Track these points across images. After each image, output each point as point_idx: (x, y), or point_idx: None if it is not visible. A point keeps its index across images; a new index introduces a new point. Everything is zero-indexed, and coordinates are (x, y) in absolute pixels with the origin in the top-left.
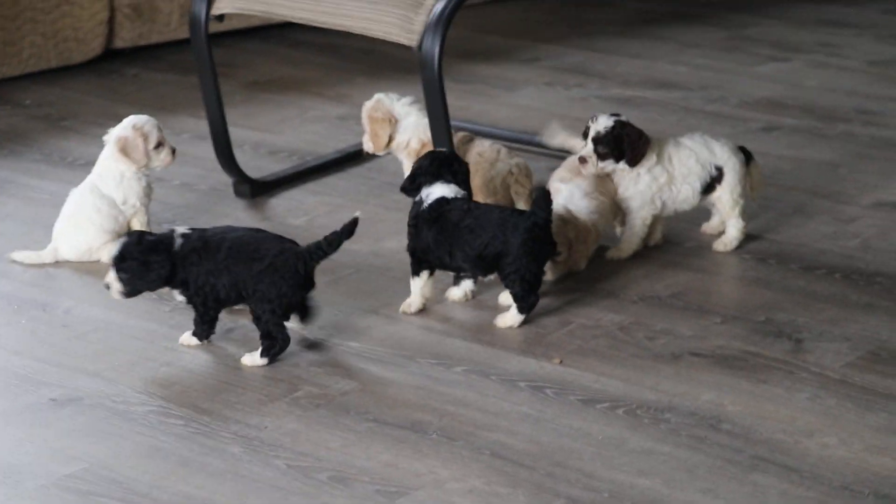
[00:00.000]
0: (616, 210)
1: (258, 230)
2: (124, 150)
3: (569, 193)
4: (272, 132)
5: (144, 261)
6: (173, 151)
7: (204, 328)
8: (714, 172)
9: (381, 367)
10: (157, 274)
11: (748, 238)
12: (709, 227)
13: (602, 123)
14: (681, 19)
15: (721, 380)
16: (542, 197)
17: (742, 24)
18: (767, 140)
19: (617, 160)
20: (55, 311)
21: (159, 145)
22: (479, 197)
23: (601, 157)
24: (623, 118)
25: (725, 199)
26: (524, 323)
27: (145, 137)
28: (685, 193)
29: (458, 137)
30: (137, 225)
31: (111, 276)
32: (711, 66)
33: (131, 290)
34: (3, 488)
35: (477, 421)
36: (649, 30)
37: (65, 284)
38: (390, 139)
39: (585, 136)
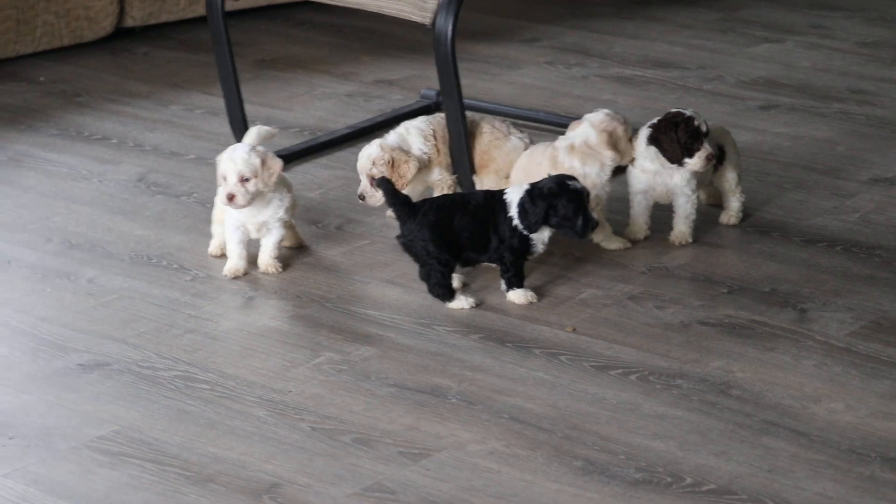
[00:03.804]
0: None
1: None
2: None
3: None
4: (282, 108)
5: None
6: (229, 197)
7: None
8: (717, 151)
9: (399, 334)
10: None
11: (751, 212)
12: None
13: (704, 120)
14: (673, 1)
15: (729, 347)
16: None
17: (733, 6)
18: (765, 118)
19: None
20: (79, 280)
21: (225, 180)
22: (493, 175)
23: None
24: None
25: (730, 176)
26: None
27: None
28: (708, 171)
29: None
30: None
31: None
32: (707, 47)
33: None
34: (37, 450)
35: (495, 386)
36: (643, 11)
37: (87, 255)
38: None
39: (702, 134)
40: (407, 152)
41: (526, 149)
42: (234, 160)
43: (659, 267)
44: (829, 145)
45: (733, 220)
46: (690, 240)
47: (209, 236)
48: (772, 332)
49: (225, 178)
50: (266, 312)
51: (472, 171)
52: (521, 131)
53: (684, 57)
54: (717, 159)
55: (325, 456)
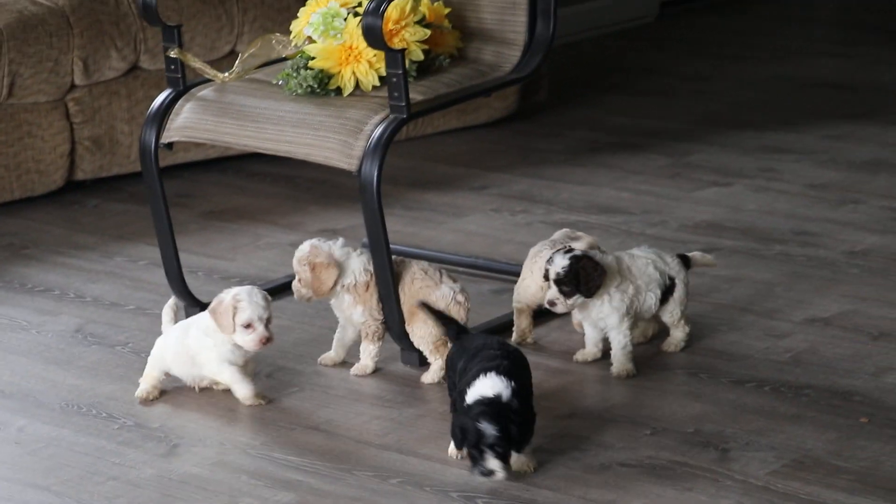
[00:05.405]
0: None
1: None
2: (213, 312)
3: None
4: (225, 259)
5: None
6: (266, 340)
7: None
8: (668, 282)
9: (319, 480)
10: None
11: (680, 353)
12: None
13: (559, 264)
14: (626, 148)
15: (648, 488)
16: None
17: (685, 151)
18: None
19: (583, 294)
20: (9, 429)
21: (248, 326)
22: (421, 324)
23: (567, 295)
24: (578, 252)
25: (675, 311)
26: None
27: (235, 311)
28: (649, 301)
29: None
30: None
31: None
32: (654, 192)
33: None
34: None
35: None
36: (595, 158)
37: (18, 405)
38: (335, 283)
39: (546, 278)
40: (333, 261)
41: (455, 299)
42: (260, 304)
43: (582, 409)
44: (767, 287)
45: (671, 349)
46: (634, 372)
47: (139, 385)
48: (692, 472)
49: (251, 325)
50: (189, 459)
51: (402, 319)
52: (455, 281)
53: (630, 202)
54: (664, 293)
55: None
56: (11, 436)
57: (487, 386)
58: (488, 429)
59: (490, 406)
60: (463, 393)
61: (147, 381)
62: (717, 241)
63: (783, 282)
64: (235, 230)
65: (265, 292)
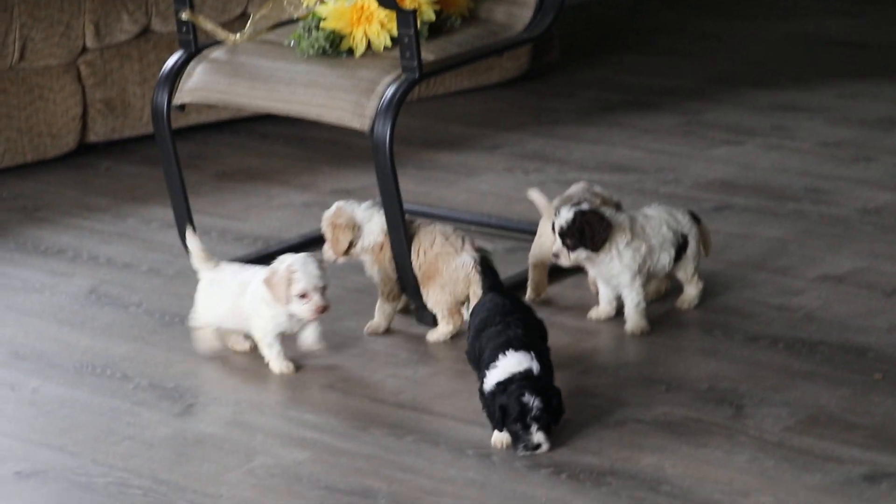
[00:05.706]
0: None
1: None
2: (268, 282)
3: None
4: (238, 219)
5: None
6: (322, 308)
7: None
8: (681, 240)
9: (334, 438)
10: None
11: (694, 310)
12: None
13: (564, 217)
14: (639, 107)
15: (662, 444)
16: None
17: (698, 110)
18: (718, 219)
19: (587, 248)
20: (23, 390)
21: (304, 296)
22: (438, 289)
23: (571, 248)
24: (584, 207)
25: (689, 267)
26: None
27: (290, 282)
28: (664, 261)
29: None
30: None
31: None
32: (667, 150)
33: None
34: None
35: (425, 487)
36: (607, 117)
37: (32, 366)
38: (351, 244)
39: (554, 230)
40: (351, 222)
41: (476, 268)
42: (314, 273)
43: (597, 367)
44: (780, 244)
45: (685, 306)
46: (648, 329)
47: (153, 345)
48: (706, 429)
49: (306, 294)
50: (204, 419)
51: (414, 278)
52: (477, 249)
53: (643, 161)
54: (678, 250)
55: None
56: (26, 397)
57: (514, 363)
58: (532, 401)
59: (527, 379)
60: (484, 374)
61: (206, 338)
62: (729, 199)
63: (796, 239)
64: (248, 191)
65: (319, 260)
